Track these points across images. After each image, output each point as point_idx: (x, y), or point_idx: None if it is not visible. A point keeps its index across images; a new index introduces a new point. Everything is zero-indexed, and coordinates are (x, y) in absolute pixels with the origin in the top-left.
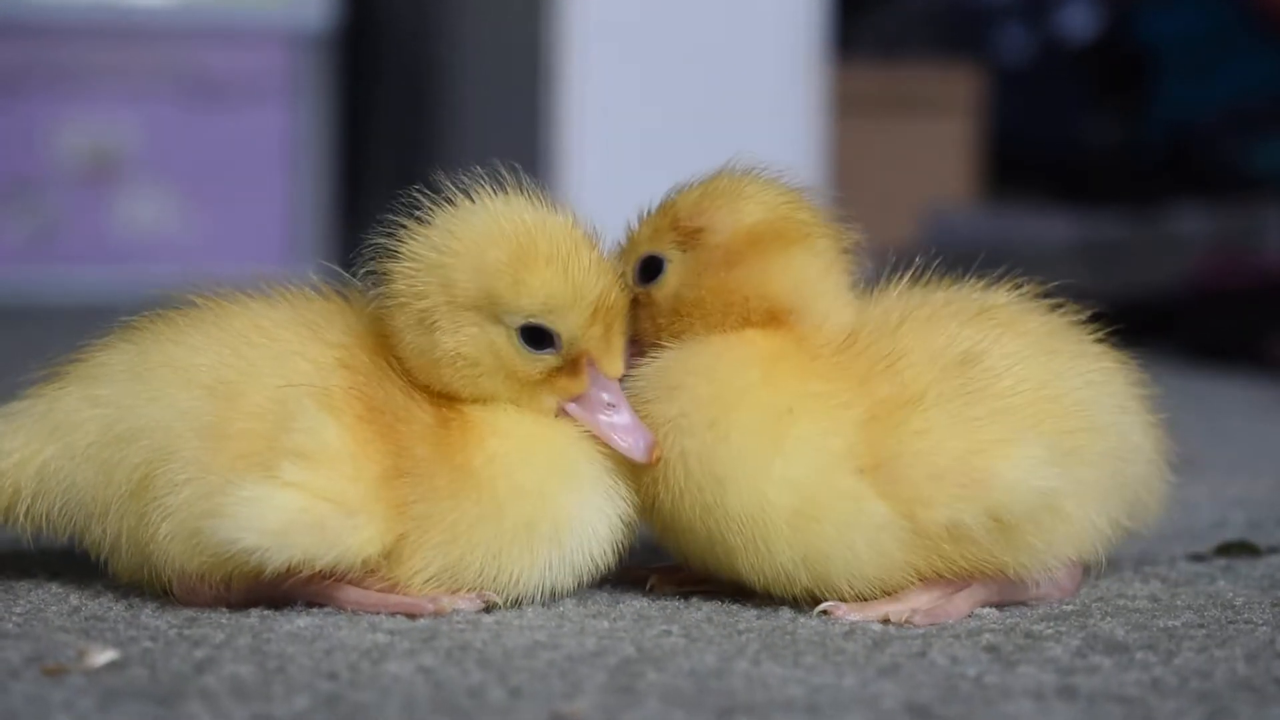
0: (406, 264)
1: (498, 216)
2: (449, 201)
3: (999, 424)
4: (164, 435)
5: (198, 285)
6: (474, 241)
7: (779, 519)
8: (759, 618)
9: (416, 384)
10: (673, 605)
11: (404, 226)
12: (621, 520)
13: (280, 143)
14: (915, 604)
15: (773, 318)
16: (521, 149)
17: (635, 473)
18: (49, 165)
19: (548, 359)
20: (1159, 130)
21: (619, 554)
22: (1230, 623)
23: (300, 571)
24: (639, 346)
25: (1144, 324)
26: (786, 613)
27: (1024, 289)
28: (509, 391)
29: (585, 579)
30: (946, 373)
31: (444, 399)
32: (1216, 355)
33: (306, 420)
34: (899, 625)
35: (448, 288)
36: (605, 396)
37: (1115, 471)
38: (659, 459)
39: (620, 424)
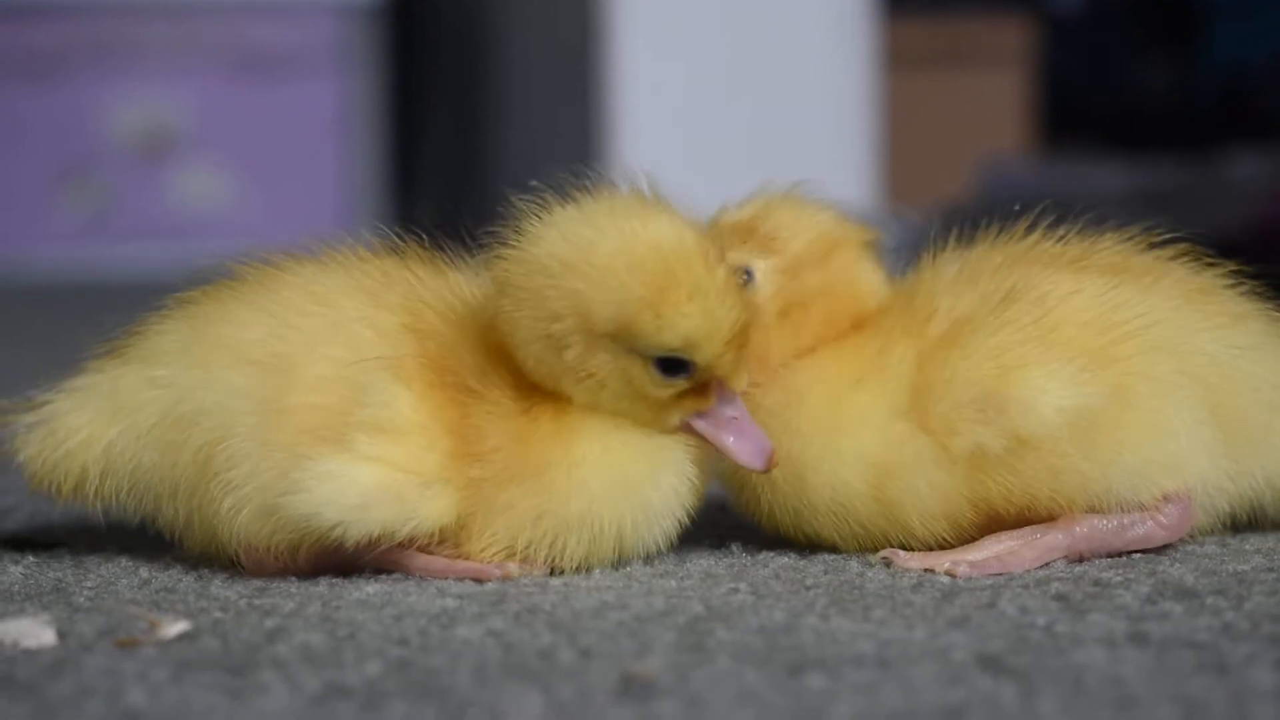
0: (538, 280)
1: (635, 239)
2: (576, 206)
3: (1026, 350)
4: (223, 414)
5: (246, 255)
6: (613, 271)
7: (861, 492)
8: (826, 573)
9: (495, 355)
10: (740, 563)
11: (531, 232)
12: (675, 527)
13: (333, 115)
14: (978, 555)
15: (850, 324)
16: (574, 118)
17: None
18: (104, 144)
19: (679, 384)
20: (1212, 76)
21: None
22: None
23: (379, 544)
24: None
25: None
26: (854, 567)
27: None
28: (633, 410)
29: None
30: (986, 307)
31: (528, 381)
32: (1275, 299)
33: (381, 392)
34: (951, 577)
35: (584, 316)
36: (729, 412)
37: (1233, 408)
38: (775, 465)
39: (741, 438)
